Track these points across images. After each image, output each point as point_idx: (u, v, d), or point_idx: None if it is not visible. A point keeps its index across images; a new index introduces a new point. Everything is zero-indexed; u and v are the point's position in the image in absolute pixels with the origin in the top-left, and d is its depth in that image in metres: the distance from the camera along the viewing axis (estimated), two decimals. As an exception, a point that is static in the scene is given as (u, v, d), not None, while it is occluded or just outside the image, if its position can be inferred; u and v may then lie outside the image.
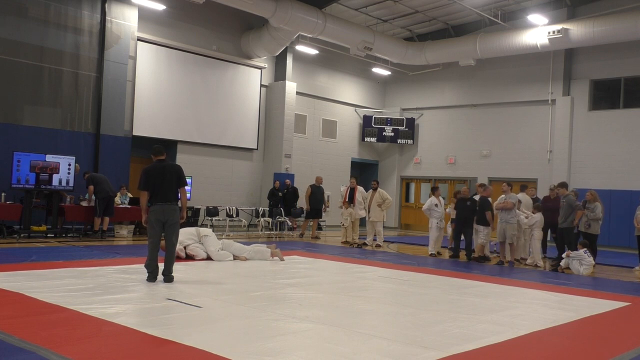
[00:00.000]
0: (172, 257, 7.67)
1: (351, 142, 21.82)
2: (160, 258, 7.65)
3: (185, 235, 10.03)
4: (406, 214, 22.73)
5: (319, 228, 19.16)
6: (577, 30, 16.34)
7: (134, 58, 15.41)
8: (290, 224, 17.44)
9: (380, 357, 4.56)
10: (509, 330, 5.71)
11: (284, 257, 10.55)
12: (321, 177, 17.07)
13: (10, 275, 7.38)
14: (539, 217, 12.02)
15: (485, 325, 5.90)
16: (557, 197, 12.19)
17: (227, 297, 6.74)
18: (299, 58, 19.28)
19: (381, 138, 21.84)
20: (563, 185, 12.12)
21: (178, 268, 8.86)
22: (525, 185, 13.79)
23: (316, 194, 16.43)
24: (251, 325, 5.41)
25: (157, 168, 7.67)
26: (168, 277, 7.58)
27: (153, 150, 7.89)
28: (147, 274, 7.57)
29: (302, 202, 17.57)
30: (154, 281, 7.48)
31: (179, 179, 7.72)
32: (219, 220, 16.09)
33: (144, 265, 7.68)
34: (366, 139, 21.86)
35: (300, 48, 18.56)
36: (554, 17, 17.51)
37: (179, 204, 7.78)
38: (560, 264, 11.24)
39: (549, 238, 13.09)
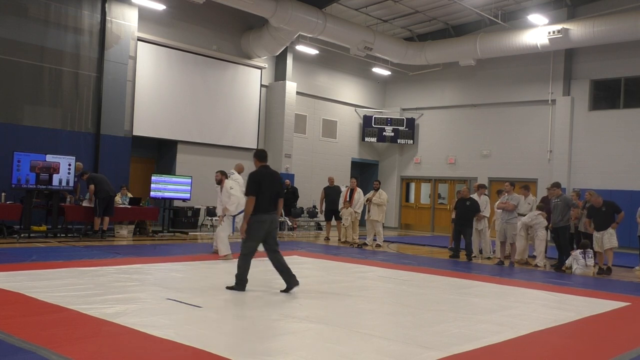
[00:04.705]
0: (287, 267, 7.22)
1: (351, 142, 21.82)
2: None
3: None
4: (406, 214, 22.73)
5: (319, 228, 19.18)
6: (577, 30, 16.35)
7: (134, 58, 15.41)
8: (290, 224, 17.45)
9: (380, 357, 4.56)
10: (509, 330, 5.71)
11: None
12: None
13: (10, 275, 7.38)
14: (541, 217, 12.00)
15: (485, 325, 5.90)
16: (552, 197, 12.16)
17: (227, 297, 6.75)
18: (299, 58, 19.28)
19: (381, 138, 21.83)
20: (556, 185, 12.11)
21: (178, 268, 8.88)
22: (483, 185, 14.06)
23: (330, 195, 15.71)
24: (251, 325, 5.41)
25: (267, 175, 7.18)
26: (295, 280, 7.16)
27: (258, 155, 7.38)
28: (235, 284, 7.09)
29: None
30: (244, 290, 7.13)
31: (281, 189, 7.38)
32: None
33: (237, 274, 7.09)
34: (366, 139, 21.86)
35: (300, 48, 18.56)
36: (554, 17, 17.51)
37: None
38: (565, 262, 11.29)
39: (548, 238, 13.09)
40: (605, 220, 11.31)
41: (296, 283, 7.15)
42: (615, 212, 11.34)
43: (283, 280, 7.17)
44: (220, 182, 10.45)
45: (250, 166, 18.57)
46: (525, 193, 12.40)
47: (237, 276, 7.12)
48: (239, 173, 11.84)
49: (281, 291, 7.10)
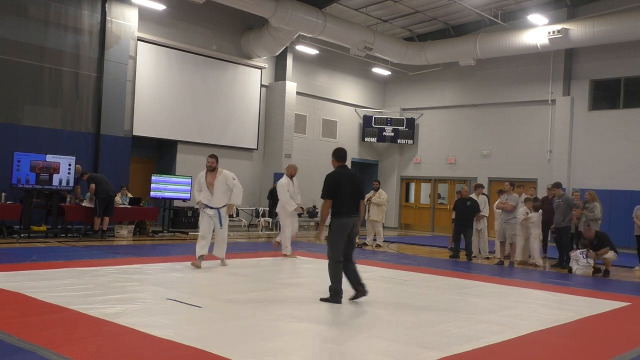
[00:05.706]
0: (358, 277, 6.81)
1: (351, 142, 21.80)
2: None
3: None
4: (406, 214, 22.73)
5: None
6: (577, 30, 16.35)
7: (134, 58, 15.40)
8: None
9: (380, 357, 4.56)
10: (509, 330, 5.72)
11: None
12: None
13: (10, 275, 7.38)
14: (536, 216, 12.01)
15: (485, 325, 5.90)
16: (553, 197, 12.18)
17: (227, 297, 6.75)
18: (299, 58, 19.28)
19: (381, 138, 21.83)
20: (557, 185, 12.14)
21: (178, 268, 8.88)
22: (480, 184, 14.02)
23: None
24: (251, 325, 5.41)
25: (344, 176, 6.78)
26: (363, 290, 6.73)
27: (337, 154, 6.99)
28: (330, 296, 6.61)
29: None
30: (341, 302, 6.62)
31: (362, 191, 6.96)
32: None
33: (331, 286, 6.61)
34: (366, 139, 21.86)
35: (300, 48, 18.56)
36: (554, 17, 17.51)
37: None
38: (570, 264, 11.30)
39: (549, 238, 13.10)
40: (600, 247, 11.10)
41: (364, 293, 6.71)
42: (608, 248, 10.83)
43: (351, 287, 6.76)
44: (214, 169, 9.25)
45: (250, 166, 18.62)
46: (520, 191, 12.57)
47: (331, 288, 6.62)
48: (291, 176, 11.02)
49: (349, 299, 6.69)
